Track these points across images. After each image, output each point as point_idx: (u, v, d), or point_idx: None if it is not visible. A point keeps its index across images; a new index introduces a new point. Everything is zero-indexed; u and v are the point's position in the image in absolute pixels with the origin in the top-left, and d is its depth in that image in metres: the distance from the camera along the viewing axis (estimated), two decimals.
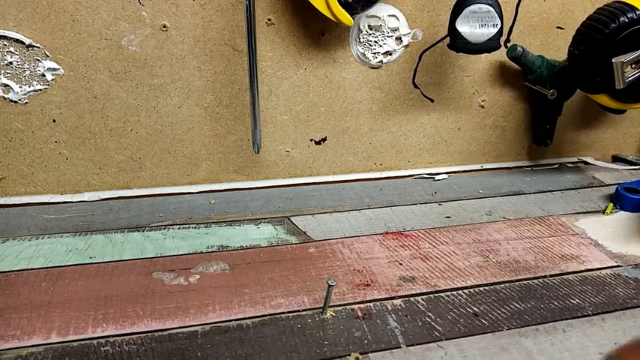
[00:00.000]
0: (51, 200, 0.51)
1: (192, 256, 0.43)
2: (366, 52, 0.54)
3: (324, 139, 0.56)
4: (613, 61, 0.47)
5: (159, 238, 0.45)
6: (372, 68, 0.55)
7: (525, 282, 0.41)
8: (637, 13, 0.46)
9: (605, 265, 0.43)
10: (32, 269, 0.40)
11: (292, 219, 0.48)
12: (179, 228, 0.47)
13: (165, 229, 0.47)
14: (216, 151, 0.54)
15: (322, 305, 0.37)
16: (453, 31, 0.49)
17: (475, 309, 0.37)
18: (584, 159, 0.65)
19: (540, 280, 0.41)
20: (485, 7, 0.49)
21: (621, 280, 0.41)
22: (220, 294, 0.38)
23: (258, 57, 0.49)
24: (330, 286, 0.35)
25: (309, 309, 0.37)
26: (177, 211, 0.50)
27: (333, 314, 0.36)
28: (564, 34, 0.57)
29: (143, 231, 0.46)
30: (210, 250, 0.44)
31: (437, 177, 0.59)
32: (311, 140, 0.56)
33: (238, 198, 0.53)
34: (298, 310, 0.37)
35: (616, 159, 0.66)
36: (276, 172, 0.55)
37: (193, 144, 0.53)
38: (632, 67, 0.47)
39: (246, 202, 0.52)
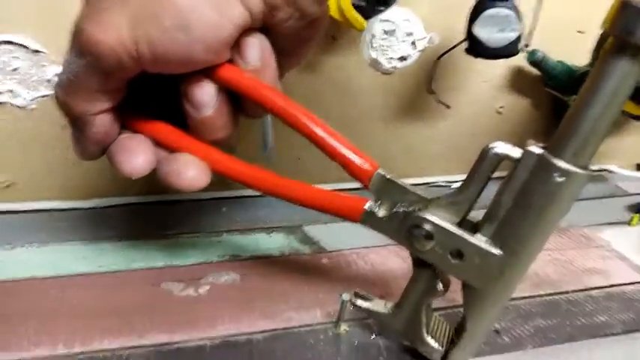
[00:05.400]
0: (60, 207, 0.50)
1: (203, 266, 0.42)
2: (379, 58, 0.53)
3: None
4: None
5: (169, 247, 0.44)
6: (386, 74, 0.54)
7: (548, 297, 0.39)
8: None
9: (631, 281, 0.41)
10: (40, 277, 0.39)
11: (305, 228, 0.47)
12: (189, 236, 0.46)
13: (175, 237, 0.46)
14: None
15: (336, 319, 0.35)
16: (470, 35, 0.48)
17: (497, 325, 0.36)
18: (607, 167, 0.63)
19: (564, 295, 0.39)
20: (504, 11, 0.47)
21: None
22: (230, 306, 0.37)
23: None
24: (343, 301, 0.33)
25: (322, 323, 0.36)
26: (188, 219, 0.49)
27: (347, 329, 0.35)
28: (585, 39, 0.55)
29: (153, 239, 0.45)
30: (220, 259, 0.42)
31: (453, 185, 0.58)
32: None
33: (250, 206, 0.52)
34: (311, 325, 0.35)
35: None
36: (288, 179, 0.54)
37: None
38: None
39: (258, 210, 0.51)
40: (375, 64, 0.53)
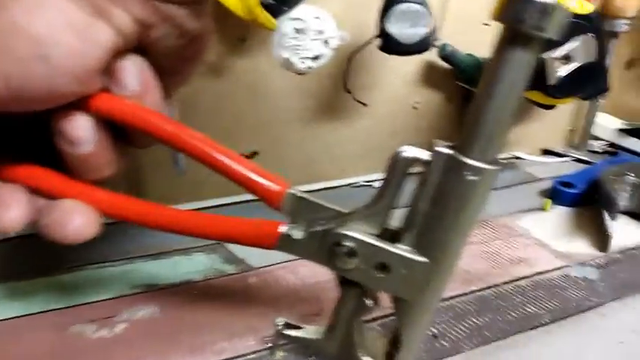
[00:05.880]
0: None
1: (115, 301, 0.37)
2: (292, 58, 0.51)
3: (255, 153, 0.52)
4: (543, 56, 0.47)
5: (73, 283, 0.39)
6: (300, 74, 0.52)
7: (479, 293, 0.39)
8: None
9: (553, 267, 0.43)
10: None
11: (227, 245, 0.44)
12: (96, 267, 0.41)
13: (80, 270, 0.41)
14: (131, 174, 0.48)
15: (271, 346, 0.33)
16: (383, 32, 0.47)
17: (433, 330, 0.35)
18: (516, 154, 0.65)
19: (493, 289, 0.40)
20: (414, 7, 0.47)
21: (571, 282, 0.41)
22: (152, 344, 0.33)
23: None
24: (278, 326, 0.31)
25: (257, 351, 0.33)
26: (92, 248, 0.44)
27: (284, 354, 0.33)
28: (491, 31, 0.57)
29: (53, 275, 0.40)
30: (135, 291, 0.38)
31: (374, 184, 0.57)
32: (241, 155, 0.51)
33: None
34: (245, 354, 0.33)
35: (545, 152, 0.68)
36: (203, 192, 0.50)
37: None
38: (561, 63, 0.47)
39: None
40: (287, 64, 0.51)
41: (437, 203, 0.24)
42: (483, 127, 0.23)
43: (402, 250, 0.25)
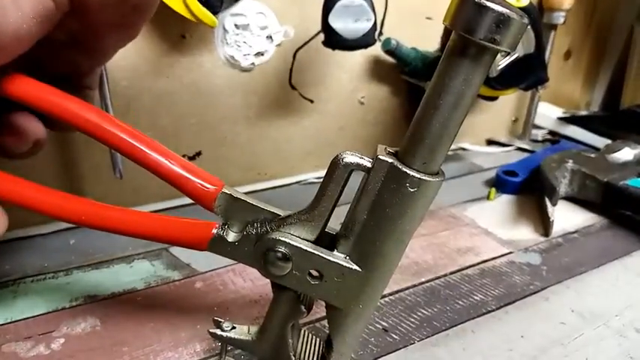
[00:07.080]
0: None
1: (53, 315, 0.35)
2: (235, 54, 0.50)
3: (199, 154, 0.51)
4: None
5: (7, 298, 0.37)
6: (244, 71, 0.51)
7: (428, 284, 0.39)
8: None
9: (498, 254, 0.44)
10: None
11: (172, 250, 0.42)
12: (33, 281, 0.39)
13: (14, 284, 0.38)
14: (68, 181, 0.45)
15: (219, 352, 0.32)
16: (326, 27, 0.46)
17: (384, 323, 0.35)
18: (462, 145, 0.66)
19: (442, 279, 0.40)
20: (357, 1, 0.46)
21: (515, 267, 0.42)
22: (93, 358, 0.32)
23: (108, 66, 0.42)
24: (224, 331, 0.30)
25: (204, 359, 0.32)
26: (29, 260, 0.41)
27: (232, 359, 0.32)
28: (434, 25, 0.57)
29: None
30: (74, 303, 0.36)
31: None
32: (184, 156, 0.50)
33: (103, 233, 0.45)
34: None
35: (490, 142, 0.69)
36: (145, 196, 0.49)
37: (39, 174, 0.44)
38: (501, 56, 0.48)
39: (113, 236, 0.44)
40: (231, 61, 0.49)
41: (375, 212, 0.23)
42: (427, 138, 0.21)
43: (336, 258, 0.24)
